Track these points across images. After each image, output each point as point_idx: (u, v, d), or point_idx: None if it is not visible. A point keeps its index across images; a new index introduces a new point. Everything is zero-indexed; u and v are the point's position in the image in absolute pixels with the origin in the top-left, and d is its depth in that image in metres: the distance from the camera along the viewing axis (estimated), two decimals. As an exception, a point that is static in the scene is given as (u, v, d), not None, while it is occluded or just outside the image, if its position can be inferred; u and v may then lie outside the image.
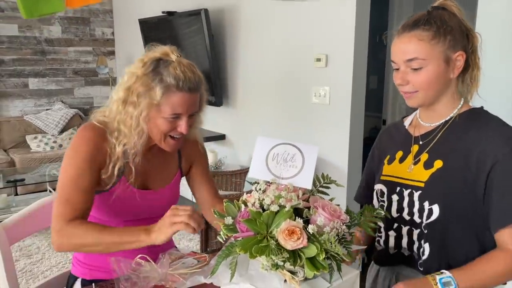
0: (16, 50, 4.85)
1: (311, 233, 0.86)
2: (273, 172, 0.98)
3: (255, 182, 0.98)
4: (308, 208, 0.94)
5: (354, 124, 2.76)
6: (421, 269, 1.09)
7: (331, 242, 0.85)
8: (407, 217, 1.11)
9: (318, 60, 2.86)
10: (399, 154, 1.17)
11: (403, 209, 1.12)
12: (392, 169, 1.17)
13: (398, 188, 1.13)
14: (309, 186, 0.96)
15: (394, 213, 1.14)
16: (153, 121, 1.14)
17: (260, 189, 0.94)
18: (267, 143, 1.00)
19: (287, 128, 3.20)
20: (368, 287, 1.28)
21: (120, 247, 1.05)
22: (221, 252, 0.92)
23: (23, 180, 3.74)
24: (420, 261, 1.09)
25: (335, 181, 0.99)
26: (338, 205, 0.97)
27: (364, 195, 1.33)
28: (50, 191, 3.92)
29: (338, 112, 2.80)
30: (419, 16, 1.05)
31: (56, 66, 5.12)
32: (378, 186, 1.20)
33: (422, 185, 1.07)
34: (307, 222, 0.92)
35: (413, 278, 1.08)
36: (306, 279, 0.90)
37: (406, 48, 1.02)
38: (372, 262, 1.28)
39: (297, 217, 0.88)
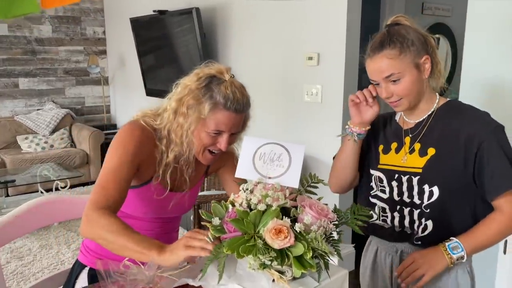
0: (6, 49, 4.80)
1: (298, 231, 0.86)
2: (260, 172, 0.97)
3: (243, 182, 0.98)
4: (296, 207, 0.93)
5: (346, 122, 2.75)
6: (419, 243, 1.24)
7: (318, 241, 0.85)
8: (407, 200, 1.25)
9: (310, 58, 2.86)
10: (394, 145, 1.31)
11: (403, 193, 1.26)
12: (388, 159, 1.30)
13: (396, 175, 1.27)
14: (296, 185, 0.96)
15: (396, 197, 1.28)
16: (197, 133, 1.18)
17: (247, 189, 0.94)
18: (254, 142, 1.00)
19: (280, 127, 3.20)
20: (368, 263, 1.40)
21: (129, 253, 1.04)
22: (210, 254, 0.91)
23: (13, 181, 3.71)
24: (418, 236, 1.24)
25: (322, 180, 0.99)
26: (326, 204, 0.96)
27: None
28: (41, 192, 3.89)
29: (330, 110, 2.80)
30: (382, 37, 1.19)
31: (47, 65, 5.08)
32: (376, 173, 1.32)
33: (420, 171, 1.22)
34: (294, 221, 0.91)
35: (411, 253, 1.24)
36: (294, 278, 0.90)
37: (380, 67, 1.18)
38: (370, 240, 1.43)
39: (284, 216, 0.88)
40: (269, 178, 0.96)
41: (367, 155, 1.37)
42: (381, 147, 1.34)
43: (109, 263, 0.95)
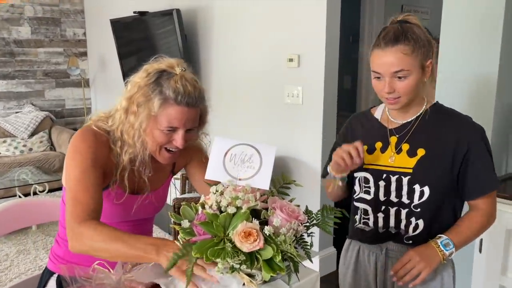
0: (-17, 51, 4.70)
1: (267, 234, 0.85)
2: (231, 173, 0.96)
3: (214, 184, 0.97)
4: (267, 209, 0.92)
5: (326, 123, 2.77)
6: (409, 242, 1.27)
7: (287, 243, 0.84)
8: (395, 199, 1.27)
9: (291, 60, 2.86)
10: (379, 145, 1.31)
11: (390, 193, 1.28)
12: (374, 159, 1.30)
13: (384, 175, 1.27)
14: (266, 186, 0.95)
15: (382, 197, 1.29)
16: (149, 131, 1.14)
17: (217, 191, 0.93)
18: (225, 143, 0.99)
19: (260, 128, 3.19)
20: (350, 263, 1.40)
21: (127, 259, 1.01)
22: (174, 254, 0.89)
23: (-10, 185, 3.62)
24: (407, 236, 1.27)
25: (294, 181, 0.98)
26: (298, 205, 0.96)
27: None
28: (19, 196, 3.81)
29: (311, 112, 2.81)
30: (396, 31, 1.17)
31: (26, 67, 4.98)
32: (361, 174, 1.32)
33: (410, 171, 1.24)
34: (266, 223, 0.90)
35: (399, 251, 1.29)
36: (265, 281, 0.89)
37: (392, 61, 1.15)
38: (350, 241, 1.43)
39: (254, 219, 0.87)
40: (240, 179, 0.95)
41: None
42: (364, 148, 1.32)
43: (75, 268, 0.93)
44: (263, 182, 0.94)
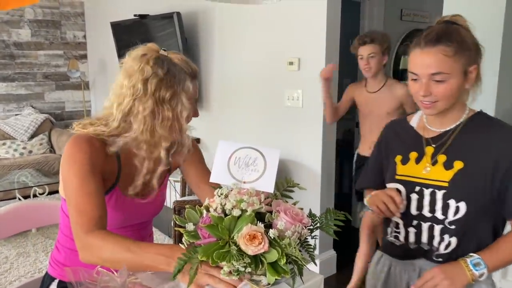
0: (-17, 53, 4.71)
1: (272, 237, 0.85)
2: (235, 176, 0.97)
3: (218, 187, 0.97)
4: (271, 212, 0.93)
5: (327, 127, 2.78)
6: (440, 260, 1.18)
7: (292, 246, 0.84)
8: (428, 214, 1.18)
9: (291, 63, 2.88)
10: (414, 155, 1.23)
11: (422, 207, 1.19)
12: (407, 170, 1.23)
13: (417, 188, 1.19)
14: (271, 190, 0.96)
15: (414, 211, 1.21)
16: (186, 114, 1.17)
17: (222, 194, 0.93)
18: (229, 147, 0.99)
19: (261, 131, 3.20)
20: (381, 276, 1.33)
21: (139, 269, 1.00)
22: (179, 258, 0.90)
23: (-10, 187, 3.62)
24: (439, 253, 1.18)
25: (298, 184, 0.99)
26: (302, 208, 0.96)
27: (373, 179, 1.39)
28: (19, 199, 3.80)
29: (311, 115, 2.82)
30: (439, 31, 1.11)
31: (26, 70, 4.99)
32: (393, 185, 1.25)
33: (446, 184, 1.15)
34: (270, 226, 0.91)
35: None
36: (269, 284, 0.89)
37: (431, 62, 1.08)
38: (381, 254, 1.35)
39: (258, 222, 0.88)
40: (244, 182, 0.96)
41: (386, 169, 1.30)
42: (399, 158, 1.26)
43: (79, 271, 0.94)
44: (268, 185, 0.95)
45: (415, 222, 1.21)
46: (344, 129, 4.25)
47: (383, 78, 2.56)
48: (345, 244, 3.26)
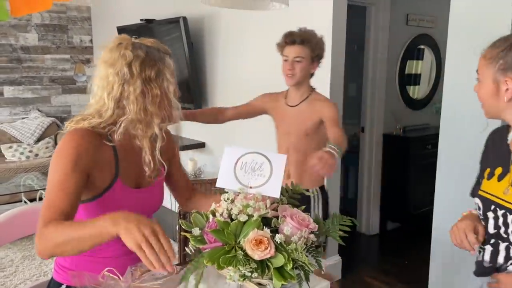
0: (-10, 57, 4.75)
1: (278, 242, 0.85)
2: (241, 182, 0.97)
3: (224, 192, 0.97)
4: (277, 217, 0.93)
5: (332, 131, 2.77)
6: None
7: (298, 251, 0.84)
8: (504, 235, 1.14)
9: (296, 68, 2.87)
10: (498, 170, 1.17)
11: (499, 227, 1.14)
12: (490, 186, 1.18)
13: (492, 207, 1.15)
14: (277, 195, 0.96)
15: (492, 229, 1.16)
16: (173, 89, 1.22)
17: (228, 199, 0.93)
18: (235, 152, 0.99)
19: (265, 136, 3.20)
20: None
21: (88, 243, 0.98)
22: (189, 265, 0.90)
23: (-4, 190, 3.64)
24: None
25: (307, 190, 0.99)
26: (307, 213, 0.96)
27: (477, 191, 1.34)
28: (25, 202, 3.82)
29: (316, 120, 2.81)
30: (503, 38, 1.15)
31: (32, 74, 5.02)
32: (476, 200, 1.22)
33: None
34: (276, 231, 0.91)
35: None
36: (275, 289, 0.89)
37: (479, 65, 1.15)
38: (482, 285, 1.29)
39: (264, 227, 0.88)
40: (251, 187, 0.96)
41: (477, 183, 1.26)
42: (487, 171, 1.20)
43: (85, 275, 0.94)
44: (274, 190, 0.95)
45: (492, 241, 1.17)
46: (350, 134, 4.24)
47: (307, 90, 2.09)
48: (350, 249, 3.26)
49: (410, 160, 3.68)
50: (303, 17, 2.80)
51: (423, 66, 4.17)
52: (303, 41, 1.99)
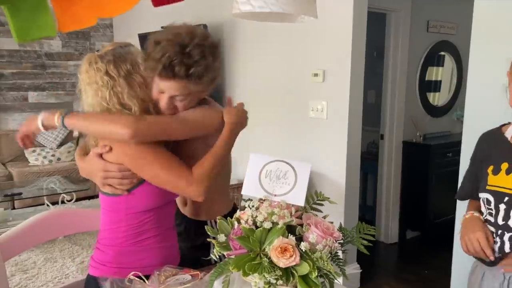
0: (16, 64, 4.88)
1: (303, 250, 0.86)
2: (266, 189, 0.98)
3: (249, 199, 0.98)
4: (301, 225, 0.94)
5: (351, 138, 2.77)
6: None
7: (323, 260, 0.85)
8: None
9: (316, 75, 2.89)
10: (505, 166, 1.25)
11: (509, 217, 1.22)
12: (498, 180, 1.25)
13: (506, 198, 1.22)
14: (301, 203, 0.96)
15: (500, 221, 1.24)
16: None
17: (253, 206, 0.94)
18: (260, 160, 1.01)
19: (284, 143, 3.21)
20: (474, 286, 1.37)
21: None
22: (214, 270, 0.91)
23: (20, 194, 3.73)
24: None
25: (328, 198, 0.99)
26: (332, 222, 0.97)
27: (470, 191, 1.42)
28: (47, 205, 3.90)
29: (335, 127, 2.81)
30: None
31: (56, 79, 5.15)
32: (484, 195, 1.29)
33: None
34: (300, 239, 0.91)
35: None
36: (299, 297, 0.89)
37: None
38: (476, 264, 1.38)
39: (289, 234, 0.88)
40: (275, 195, 0.97)
41: (480, 179, 1.33)
42: (491, 168, 1.29)
43: (114, 280, 0.96)
44: (298, 198, 0.96)
45: (499, 232, 1.25)
46: (369, 141, 4.22)
47: None
48: (369, 258, 3.23)
49: (431, 168, 3.63)
50: (322, 24, 2.81)
51: (443, 73, 4.12)
52: (190, 76, 1.20)
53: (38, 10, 0.57)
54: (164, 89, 1.24)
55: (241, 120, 1.36)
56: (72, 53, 5.21)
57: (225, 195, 1.51)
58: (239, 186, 3.44)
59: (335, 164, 2.82)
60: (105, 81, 1.22)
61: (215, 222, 1.36)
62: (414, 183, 3.71)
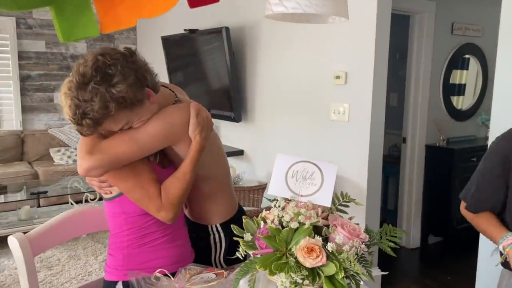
0: (43, 65, 5.01)
1: (330, 251, 0.86)
2: (292, 189, 0.98)
3: (274, 199, 0.99)
4: (327, 226, 0.94)
5: (373, 141, 2.75)
6: None
7: (350, 261, 0.85)
8: None
9: (337, 77, 2.87)
10: None
11: None
12: None
13: None
14: (328, 204, 0.97)
15: None
16: None
17: (279, 206, 0.95)
18: (287, 160, 1.01)
19: (306, 145, 3.20)
20: None
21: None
22: (240, 269, 0.92)
23: (46, 192, 3.82)
24: None
25: (354, 199, 0.99)
26: (357, 224, 0.96)
27: (493, 200, 1.34)
28: (71, 204, 3.99)
29: (357, 130, 2.80)
30: None
31: (81, 81, 5.26)
32: None
33: None
34: (325, 240, 0.92)
35: None
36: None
37: None
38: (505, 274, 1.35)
39: (316, 235, 0.89)
40: (301, 196, 0.97)
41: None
42: None
43: (140, 274, 0.98)
44: (325, 199, 0.96)
45: None
46: (391, 145, 4.17)
47: None
48: (389, 262, 3.19)
49: (454, 172, 3.57)
50: (346, 27, 2.80)
51: (468, 76, 4.05)
52: (100, 119, 1.15)
53: (81, 11, 0.59)
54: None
55: (208, 128, 1.23)
56: (97, 55, 5.32)
57: (225, 197, 1.41)
58: (259, 187, 3.46)
59: (356, 167, 2.80)
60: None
61: (216, 227, 1.36)
62: (437, 188, 3.65)
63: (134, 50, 1.21)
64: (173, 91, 1.36)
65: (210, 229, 1.37)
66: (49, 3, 0.54)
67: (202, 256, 1.36)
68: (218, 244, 1.37)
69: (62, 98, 1.16)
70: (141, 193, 1.19)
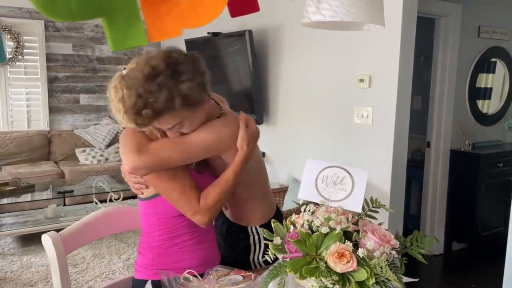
0: (69, 67, 5.14)
1: (361, 257, 0.86)
2: (323, 194, 0.99)
3: (303, 204, 1.00)
4: (357, 231, 0.94)
5: (397, 146, 2.72)
6: None
7: (381, 267, 0.85)
8: None
9: (361, 81, 2.86)
10: None
11: None
12: None
13: None
14: (359, 209, 0.97)
15: None
16: None
17: (309, 211, 0.96)
18: (317, 165, 1.02)
19: (328, 148, 3.20)
20: None
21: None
22: (269, 272, 0.93)
23: (72, 191, 3.92)
24: None
25: (384, 205, 0.99)
26: (387, 229, 0.97)
27: None
28: (96, 203, 4.07)
29: (381, 133, 2.78)
30: None
31: (106, 83, 5.27)
32: None
33: None
34: (355, 246, 0.92)
35: None
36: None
37: None
38: None
39: (346, 240, 0.89)
40: (332, 201, 0.98)
41: None
42: None
43: (171, 274, 1.00)
44: (355, 204, 0.96)
45: None
46: (414, 149, 4.12)
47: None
48: (413, 269, 3.15)
49: (480, 177, 3.50)
50: (370, 30, 2.79)
51: (495, 80, 3.97)
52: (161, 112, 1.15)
53: (131, 22, 0.61)
54: (157, 127, 1.21)
55: (255, 140, 1.29)
56: (121, 58, 5.42)
57: (265, 201, 1.47)
58: (280, 190, 3.46)
59: (380, 172, 2.78)
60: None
61: (256, 229, 1.40)
62: (461, 193, 3.59)
63: (199, 56, 1.26)
64: (217, 102, 1.39)
65: (250, 230, 1.42)
66: (102, 14, 0.57)
67: (241, 256, 1.41)
68: (257, 245, 1.42)
69: (112, 92, 1.19)
70: (179, 195, 1.22)
